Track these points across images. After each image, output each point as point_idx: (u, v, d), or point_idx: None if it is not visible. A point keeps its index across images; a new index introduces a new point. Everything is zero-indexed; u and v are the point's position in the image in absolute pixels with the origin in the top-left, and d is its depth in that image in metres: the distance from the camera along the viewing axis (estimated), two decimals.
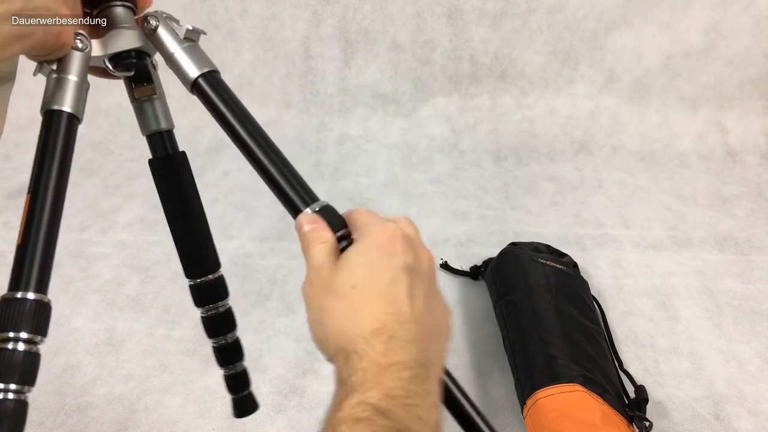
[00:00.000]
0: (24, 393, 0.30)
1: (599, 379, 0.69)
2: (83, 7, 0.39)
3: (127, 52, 0.41)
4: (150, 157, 0.48)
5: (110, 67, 0.41)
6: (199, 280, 0.51)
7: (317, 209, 0.34)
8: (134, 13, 0.41)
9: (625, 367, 0.78)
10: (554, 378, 0.68)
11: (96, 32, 0.40)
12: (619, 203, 1.21)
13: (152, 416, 0.76)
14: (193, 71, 0.38)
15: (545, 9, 1.33)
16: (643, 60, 1.38)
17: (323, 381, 0.80)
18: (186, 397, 0.78)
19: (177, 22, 0.40)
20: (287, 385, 0.80)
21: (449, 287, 0.97)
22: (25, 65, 1.47)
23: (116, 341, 0.87)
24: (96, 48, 0.39)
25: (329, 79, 1.44)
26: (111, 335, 0.88)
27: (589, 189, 1.26)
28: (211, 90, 0.38)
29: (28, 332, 0.31)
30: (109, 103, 1.41)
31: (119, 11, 0.40)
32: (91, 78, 0.40)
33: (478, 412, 0.34)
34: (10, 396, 0.30)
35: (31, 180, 0.34)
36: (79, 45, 0.37)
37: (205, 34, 0.41)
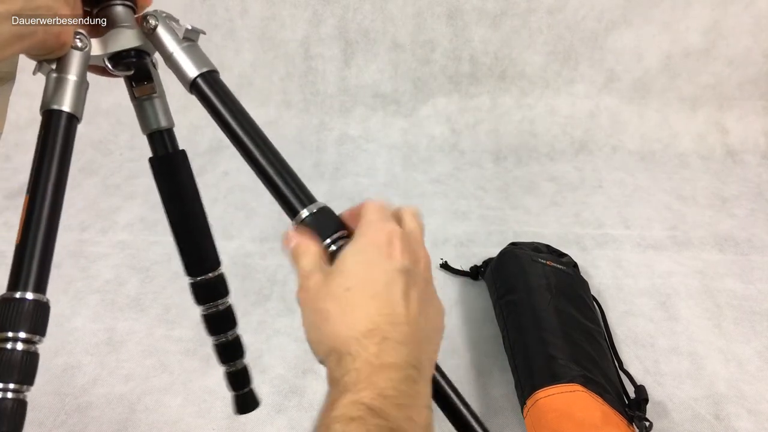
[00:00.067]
0: (23, 392, 0.31)
1: (599, 379, 0.69)
2: (83, 6, 0.39)
3: (127, 51, 0.41)
4: (150, 155, 0.48)
5: (110, 66, 0.41)
6: (199, 278, 0.51)
7: (314, 210, 0.34)
8: (134, 12, 0.41)
9: (625, 367, 0.78)
10: (554, 378, 0.68)
11: (95, 31, 0.40)
12: (619, 203, 1.21)
13: (152, 416, 0.76)
14: (191, 71, 0.38)
15: (545, 9, 1.33)
16: (643, 60, 1.38)
17: (323, 381, 0.79)
18: (186, 397, 0.78)
19: (176, 21, 0.40)
20: (287, 385, 0.80)
21: (449, 287, 0.97)
22: (25, 65, 1.47)
23: (116, 341, 0.87)
24: (96, 47, 0.39)
25: (329, 79, 1.44)
26: (111, 335, 0.88)
27: (589, 189, 1.26)
28: (210, 90, 0.38)
29: (26, 332, 0.31)
30: (109, 102, 1.41)
31: (119, 10, 0.40)
32: (90, 77, 0.40)
33: (469, 409, 0.34)
34: (9, 395, 0.30)
35: (30, 180, 0.34)
36: (79, 44, 0.37)
37: (204, 33, 0.41)
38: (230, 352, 0.55)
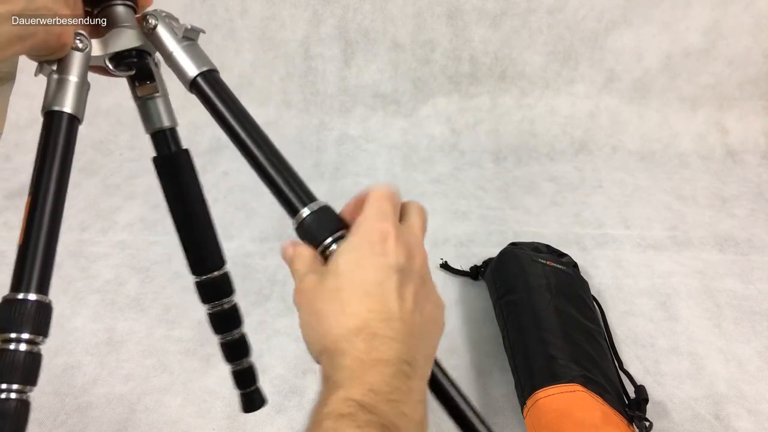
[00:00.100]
0: (26, 393, 0.31)
1: (599, 379, 0.69)
2: (84, 6, 0.39)
3: (128, 51, 0.41)
4: (153, 155, 0.48)
5: (111, 66, 0.41)
6: (204, 277, 0.51)
7: (315, 209, 0.34)
8: (135, 12, 0.41)
9: (625, 367, 0.78)
10: (554, 378, 0.68)
11: (96, 32, 0.40)
12: (619, 203, 1.21)
13: (152, 416, 0.76)
14: (191, 70, 0.39)
15: (545, 9, 1.33)
16: (643, 60, 1.38)
17: None
18: (186, 397, 0.78)
19: (176, 20, 0.41)
20: (287, 385, 0.80)
21: (449, 287, 0.97)
22: (25, 65, 1.47)
23: (116, 341, 0.87)
24: (96, 48, 0.39)
25: (329, 79, 1.44)
26: (111, 335, 0.88)
27: (589, 189, 1.27)
28: (210, 89, 0.38)
29: (29, 333, 0.31)
30: (109, 103, 1.41)
31: (120, 10, 0.40)
32: (90, 77, 0.40)
33: (470, 406, 0.34)
34: (13, 396, 0.30)
35: (32, 181, 0.35)
36: (79, 45, 0.37)
37: (204, 32, 0.41)
38: (236, 350, 0.55)
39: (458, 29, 1.36)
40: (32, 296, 0.32)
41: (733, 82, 1.38)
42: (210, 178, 1.28)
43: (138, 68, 0.42)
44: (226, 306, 0.53)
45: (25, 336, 0.31)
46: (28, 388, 0.31)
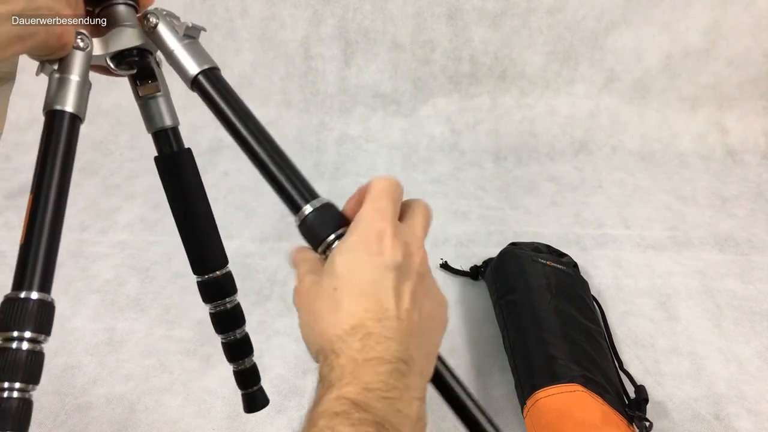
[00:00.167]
0: (28, 392, 0.31)
1: (599, 379, 0.69)
2: (85, 5, 0.39)
3: (129, 50, 0.41)
4: (154, 155, 0.48)
5: (112, 65, 0.41)
6: (206, 277, 0.51)
7: (317, 206, 0.34)
8: (136, 11, 0.41)
9: (625, 367, 0.78)
10: (554, 378, 0.68)
11: (97, 31, 0.40)
12: (619, 203, 1.21)
13: (152, 416, 0.76)
14: (193, 68, 0.38)
15: (545, 9, 1.33)
16: (643, 60, 1.38)
17: None
18: (186, 397, 0.78)
19: (177, 19, 0.40)
20: (287, 385, 0.80)
21: (449, 287, 0.97)
22: (26, 65, 1.47)
23: (116, 341, 0.87)
24: (97, 47, 0.39)
25: (329, 79, 1.44)
26: (111, 335, 0.88)
27: (589, 189, 1.27)
28: (211, 87, 0.38)
29: (31, 331, 0.31)
30: (109, 103, 1.41)
31: (121, 9, 0.40)
32: (91, 78, 0.40)
33: (475, 402, 0.34)
34: (15, 395, 0.30)
35: (34, 180, 0.35)
36: (81, 44, 0.37)
37: (205, 30, 0.41)
38: (238, 350, 0.55)
39: (458, 29, 1.36)
40: (34, 295, 0.32)
41: (733, 82, 1.38)
42: (210, 178, 1.28)
43: (139, 67, 0.42)
44: (228, 305, 0.52)
45: (28, 334, 0.31)
46: (31, 387, 0.31)
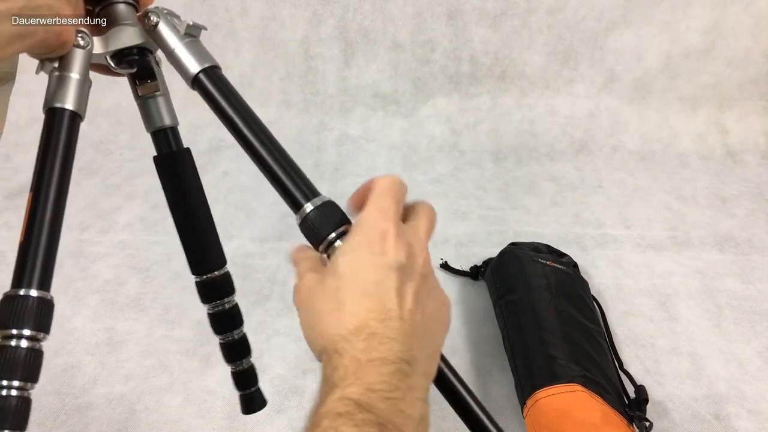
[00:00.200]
0: (27, 390, 0.31)
1: (599, 379, 0.69)
2: (85, 4, 0.39)
3: (129, 48, 0.41)
4: (153, 154, 0.48)
5: (113, 64, 0.41)
6: (205, 277, 0.51)
7: (318, 204, 0.34)
8: (136, 10, 0.41)
9: (625, 367, 0.78)
10: (554, 378, 0.68)
11: (98, 29, 0.40)
12: (619, 203, 1.21)
13: (152, 416, 0.76)
14: (193, 66, 0.38)
15: (545, 9, 1.33)
16: (643, 60, 1.38)
17: None
18: (186, 397, 0.78)
19: (178, 18, 0.40)
20: (287, 385, 0.80)
21: (449, 287, 0.97)
22: (26, 65, 1.46)
23: (116, 341, 0.87)
24: (98, 45, 0.39)
25: (329, 79, 1.44)
26: (111, 335, 0.88)
27: (589, 189, 1.27)
28: (212, 85, 0.38)
29: (31, 329, 0.31)
30: (109, 102, 1.41)
31: (121, 8, 0.40)
32: (91, 77, 0.40)
33: (477, 401, 0.34)
34: (14, 393, 0.30)
35: (34, 177, 0.34)
36: (81, 42, 0.37)
37: (205, 29, 0.41)
38: (236, 351, 0.55)
39: (458, 29, 1.36)
40: (34, 292, 0.32)
41: (733, 82, 1.38)
42: (210, 178, 1.28)
43: (139, 66, 0.42)
44: (226, 306, 0.52)
45: (27, 332, 0.31)
46: (29, 385, 0.31)
